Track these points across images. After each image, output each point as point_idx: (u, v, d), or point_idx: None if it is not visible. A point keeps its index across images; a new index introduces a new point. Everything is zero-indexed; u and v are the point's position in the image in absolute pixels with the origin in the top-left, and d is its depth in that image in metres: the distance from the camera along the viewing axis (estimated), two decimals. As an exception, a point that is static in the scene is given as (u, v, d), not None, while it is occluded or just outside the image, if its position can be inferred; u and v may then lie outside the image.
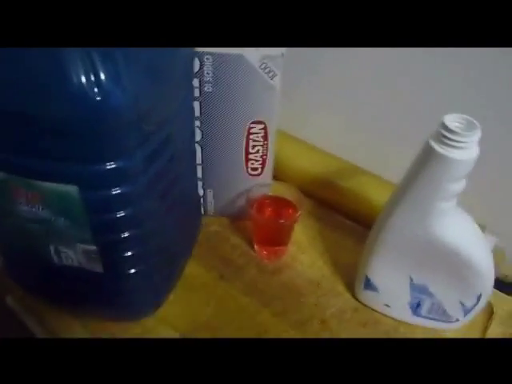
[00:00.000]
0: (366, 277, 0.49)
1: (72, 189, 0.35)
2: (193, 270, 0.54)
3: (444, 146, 0.37)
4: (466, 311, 0.47)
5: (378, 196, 0.58)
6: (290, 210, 0.55)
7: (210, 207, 0.60)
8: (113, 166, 0.35)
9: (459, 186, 0.39)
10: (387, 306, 0.50)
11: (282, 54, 0.46)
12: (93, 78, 0.30)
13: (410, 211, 0.42)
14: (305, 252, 0.58)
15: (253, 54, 0.46)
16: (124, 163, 0.35)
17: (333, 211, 0.63)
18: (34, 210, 0.38)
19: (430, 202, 0.40)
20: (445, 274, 0.44)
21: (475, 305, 0.46)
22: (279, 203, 0.56)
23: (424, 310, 0.48)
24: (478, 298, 0.45)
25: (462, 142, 0.37)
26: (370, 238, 0.48)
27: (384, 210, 0.45)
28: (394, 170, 0.55)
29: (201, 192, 0.58)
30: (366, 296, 0.51)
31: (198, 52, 0.45)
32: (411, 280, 0.47)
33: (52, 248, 0.41)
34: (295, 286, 0.53)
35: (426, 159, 0.39)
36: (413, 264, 0.45)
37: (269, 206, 0.56)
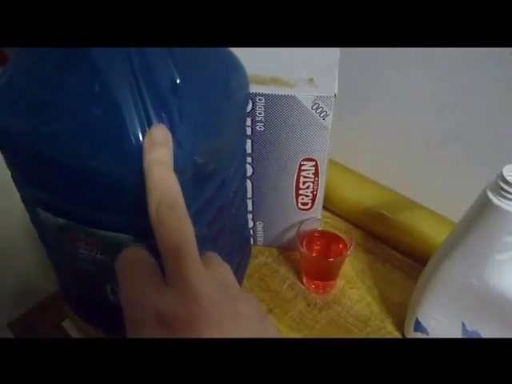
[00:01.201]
0: (417, 319, 0.48)
1: (127, 238, 0.36)
2: (241, 302, 0.55)
3: (502, 199, 0.36)
4: None
5: (430, 230, 0.57)
6: (340, 245, 0.55)
7: (260, 238, 0.60)
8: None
9: None
10: None
11: (335, 95, 0.46)
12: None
13: (464, 261, 0.41)
14: (353, 286, 0.57)
15: (305, 95, 0.46)
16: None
17: (383, 244, 0.62)
18: (92, 253, 0.39)
19: (487, 254, 0.39)
20: (500, 323, 0.43)
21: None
22: (329, 238, 0.56)
23: None
24: None
25: None
26: (421, 278, 0.47)
27: (438, 254, 0.44)
28: (447, 204, 0.55)
29: (250, 224, 0.58)
30: (416, 337, 0.50)
31: (250, 93, 0.46)
32: (463, 326, 0.45)
33: (108, 287, 0.42)
34: (343, 322, 0.53)
35: (483, 210, 0.38)
36: (466, 310, 0.44)
37: (318, 240, 0.56)
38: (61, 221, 0.38)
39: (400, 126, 0.62)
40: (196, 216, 0.38)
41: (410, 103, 0.59)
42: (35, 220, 0.41)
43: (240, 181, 0.47)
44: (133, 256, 0.29)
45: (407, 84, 0.58)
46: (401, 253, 0.61)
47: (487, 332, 0.45)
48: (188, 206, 0.36)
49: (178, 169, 0.32)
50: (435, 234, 0.56)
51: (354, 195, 0.63)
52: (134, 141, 0.30)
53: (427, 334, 0.48)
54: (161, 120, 0.31)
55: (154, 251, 0.37)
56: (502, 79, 0.50)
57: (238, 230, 0.50)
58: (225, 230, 0.45)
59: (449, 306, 0.45)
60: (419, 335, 0.49)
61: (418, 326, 0.48)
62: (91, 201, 0.35)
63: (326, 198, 0.63)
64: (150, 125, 0.31)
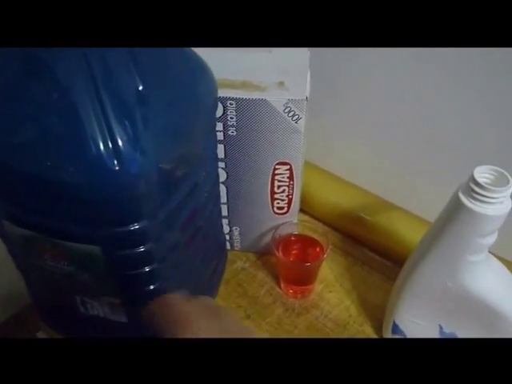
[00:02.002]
0: (394, 322, 0.48)
1: (95, 249, 0.35)
2: (219, 308, 0.54)
3: (474, 201, 0.36)
4: None
5: (408, 232, 0.57)
6: (317, 249, 0.54)
7: (237, 243, 0.60)
8: (136, 227, 0.35)
9: (490, 239, 0.38)
10: None
11: (307, 98, 0.45)
12: (110, 145, 0.30)
13: (438, 263, 0.41)
14: (332, 290, 0.57)
15: (276, 99, 0.45)
16: (147, 223, 0.35)
17: (361, 246, 0.61)
18: (59, 265, 0.38)
19: (460, 256, 0.39)
20: (476, 325, 0.43)
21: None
22: (306, 242, 0.55)
23: None
24: None
25: (492, 197, 0.35)
26: (397, 282, 0.47)
27: (413, 256, 0.44)
28: (425, 205, 0.54)
29: (227, 229, 0.58)
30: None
31: (221, 98, 0.45)
32: (441, 328, 0.45)
33: (78, 299, 0.41)
34: (321, 326, 0.53)
35: (455, 212, 0.37)
36: (442, 313, 0.44)
37: (295, 244, 0.56)
38: (26, 232, 0.37)
39: (377, 127, 0.61)
40: (168, 219, 0.37)
41: (387, 104, 0.59)
42: (1, 231, 0.40)
43: (212, 185, 0.46)
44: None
45: (385, 84, 0.58)
46: (379, 255, 0.60)
47: (464, 333, 0.45)
48: (158, 210, 0.36)
49: (144, 176, 0.32)
50: (414, 235, 0.55)
51: (332, 198, 0.62)
52: (94, 150, 0.29)
53: (405, 336, 0.48)
54: (124, 128, 0.31)
55: (123, 260, 0.37)
56: (475, 80, 0.50)
57: (212, 234, 0.49)
58: (198, 234, 0.44)
59: (425, 308, 0.44)
60: (397, 337, 0.49)
61: (395, 329, 0.48)
62: (56, 212, 0.34)
63: (304, 201, 0.62)
64: (111, 133, 0.30)
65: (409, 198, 0.59)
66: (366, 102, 0.60)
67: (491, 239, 0.38)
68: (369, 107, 0.60)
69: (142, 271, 0.38)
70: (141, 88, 0.32)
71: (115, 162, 0.30)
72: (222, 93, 0.45)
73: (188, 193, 0.39)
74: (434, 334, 0.46)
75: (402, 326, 0.47)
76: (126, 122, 0.31)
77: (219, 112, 0.46)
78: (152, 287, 0.40)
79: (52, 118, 0.30)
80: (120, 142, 0.30)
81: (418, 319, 0.46)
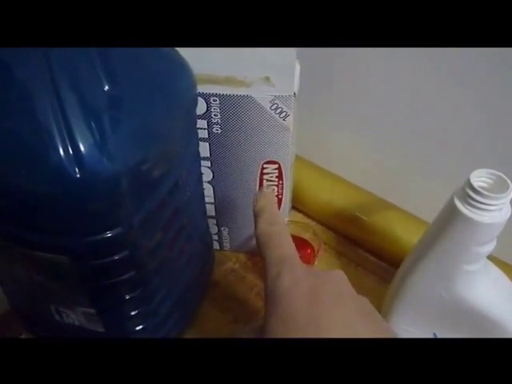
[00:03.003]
0: None
1: (63, 259, 0.33)
2: (206, 312, 0.52)
3: (470, 207, 0.33)
4: None
5: (404, 232, 0.54)
6: (308, 251, 0.52)
7: (226, 243, 0.57)
8: (108, 235, 0.32)
9: (488, 247, 0.35)
10: None
11: (294, 94, 0.43)
12: (71, 151, 0.27)
13: (432, 272, 0.38)
14: (325, 293, 0.54)
15: (262, 95, 0.42)
16: (121, 230, 0.33)
17: (356, 246, 0.59)
18: (29, 274, 0.36)
19: (455, 265, 0.37)
20: (471, 335, 0.40)
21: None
22: (296, 243, 0.52)
23: None
24: None
25: (490, 204, 0.33)
26: (391, 288, 0.45)
27: (407, 262, 0.42)
28: (422, 205, 0.52)
29: (215, 229, 0.55)
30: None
31: (204, 94, 0.43)
32: (434, 336, 0.43)
33: (53, 307, 0.40)
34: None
35: (450, 219, 0.35)
36: (437, 322, 0.42)
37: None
38: (-4, 241, 0.35)
39: (373, 123, 0.59)
40: (146, 224, 0.35)
41: (383, 99, 0.56)
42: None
43: (195, 184, 0.44)
44: None
45: (382, 82, 0.55)
46: (374, 256, 0.58)
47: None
48: (133, 216, 0.33)
49: (111, 182, 0.30)
50: (410, 236, 0.53)
51: (326, 196, 0.60)
52: (53, 156, 0.27)
53: None
54: (89, 131, 0.28)
55: (97, 270, 0.35)
56: (475, 78, 0.47)
57: (197, 235, 0.47)
58: (181, 236, 0.42)
59: (419, 317, 0.42)
60: None
61: None
62: (23, 221, 0.32)
63: (297, 199, 0.60)
64: (71, 138, 0.27)
65: (406, 196, 0.57)
66: (362, 96, 0.58)
67: (489, 247, 0.36)
68: (365, 102, 0.58)
69: (118, 280, 0.36)
70: (107, 88, 0.29)
71: (76, 169, 0.27)
72: (204, 89, 0.43)
73: (167, 194, 0.37)
74: None
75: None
76: (91, 125, 0.28)
77: (202, 109, 0.44)
78: (131, 295, 0.38)
79: (8, 122, 0.28)
80: (82, 147, 0.27)
81: (411, 327, 0.43)
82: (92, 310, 0.38)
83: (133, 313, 0.39)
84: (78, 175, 0.28)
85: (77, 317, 0.39)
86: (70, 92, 0.28)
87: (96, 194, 0.29)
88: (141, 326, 0.41)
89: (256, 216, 0.34)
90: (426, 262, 0.38)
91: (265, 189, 0.37)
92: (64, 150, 0.27)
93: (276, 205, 0.36)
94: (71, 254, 0.33)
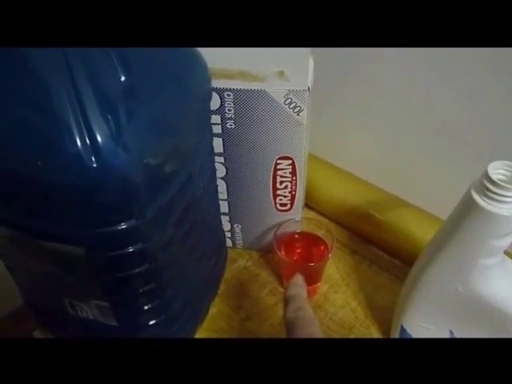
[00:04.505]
0: (402, 326, 0.45)
1: (79, 250, 0.33)
2: (219, 309, 0.52)
3: (488, 200, 0.33)
4: None
5: (418, 230, 0.54)
6: (322, 247, 0.52)
7: (239, 241, 0.57)
8: (122, 227, 0.32)
9: (506, 241, 0.35)
10: None
11: (309, 88, 0.42)
12: (88, 141, 0.27)
13: (449, 266, 0.38)
14: (338, 291, 0.54)
15: (276, 89, 0.42)
16: (135, 222, 0.33)
17: (369, 244, 0.59)
18: (44, 266, 0.36)
19: (472, 259, 0.36)
20: (489, 331, 0.40)
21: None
22: (310, 240, 0.53)
23: None
24: None
25: (509, 196, 0.32)
26: (406, 283, 0.44)
27: (422, 257, 0.41)
28: (437, 202, 0.51)
29: (228, 226, 0.55)
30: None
31: (217, 89, 0.43)
32: (451, 334, 0.42)
33: (66, 300, 0.40)
34: (325, 329, 0.50)
35: (467, 211, 0.34)
36: (453, 318, 0.41)
37: (298, 242, 0.53)
38: (11, 232, 0.35)
39: (387, 120, 0.58)
40: (159, 217, 0.35)
41: (398, 96, 0.56)
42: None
43: (208, 179, 0.44)
44: None
45: (395, 76, 0.54)
46: (388, 254, 0.57)
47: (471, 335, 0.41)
48: (146, 208, 0.33)
49: (127, 173, 0.30)
50: (424, 233, 0.52)
51: (339, 193, 0.59)
52: (70, 146, 0.27)
53: None
54: (106, 122, 0.28)
55: (110, 262, 0.35)
56: (489, 69, 0.47)
57: (209, 231, 0.47)
58: (194, 231, 0.42)
59: (435, 312, 0.42)
60: None
61: (403, 334, 0.45)
62: (36, 211, 0.32)
63: (310, 197, 0.60)
64: (89, 128, 0.27)
65: (420, 193, 0.56)
66: (376, 92, 0.57)
67: (507, 241, 0.35)
68: (378, 98, 0.57)
69: (131, 273, 0.36)
70: (123, 79, 0.30)
71: (93, 158, 0.27)
72: (218, 84, 0.43)
73: (180, 188, 0.37)
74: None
75: (409, 331, 0.45)
76: (108, 116, 0.28)
77: (216, 104, 0.44)
78: (144, 289, 0.38)
79: (25, 112, 0.28)
80: (99, 138, 0.28)
81: (427, 324, 0.43)
82: (105, 304, 0.38)
83: (146, 307, 0.39)
84: (95, 165, 0.28)
85: (91, 310, 0.39)
86: (87, 83, 0.28)
87: (111, 185, 0.29)
88: (154, 321, 0.41)
89: (285, 303, 0.38)
90: (443, 257, 0.37)
91: (296, 277, 0.41)
92: (81, 141, 0.27)
93: (305, 289, 0.40)
94: (86, 245, 0.33)
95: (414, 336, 0.45)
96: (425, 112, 0.54)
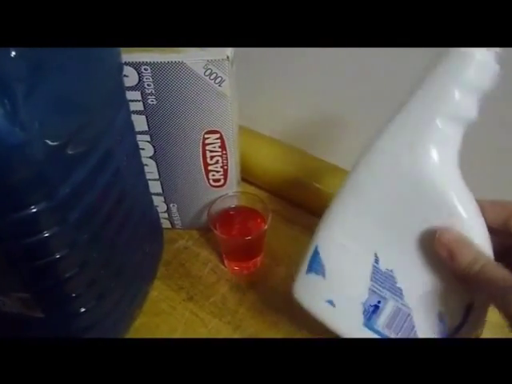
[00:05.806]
0: (316, 249, 0.37)
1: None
2: (160, 292, 0.51)
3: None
4: (443, 333, 0.33)
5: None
6: (258, 220, 0.51)
7: (177, 221, 0.56)
8: (33, 210, 0.30)
9: (470, 102, 0.30)
10: (331, 303, 0.36)
11: (228, 58, 0.41)
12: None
13: (399, 134, 0.32)
14: (280, 264, 0.54)
15: (194, 60, 0.41)
16: (46, 204, 0.31)
17: (306, 212, 0.58)
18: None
19: (429, 118, 0.31)
20: (421, 255, 0.32)
21: (460, 323, 0.32)
22: (246, 214, 0.52)
23: (382, 319, 0.35)
24: (467, 309, 0.32)
25: None
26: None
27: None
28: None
29: (164, 207, 0.54)
30: (306, 287, 0.38)
31: (134, 63, 0.41)
32: (376, 259, 0.34)
33: (-3, 298, 0.38)
34: (269, 303, 0.50)
35: (437, 62, 0.31)
36: (381, 229, 0.34)
37: (235, 218, 0.52)
38: None
39: (316, 84, 0.58)
40: (73, 198, 0.33)
41: (324, 66, 0.55)
42: None
43: (131, 155, 0.41)
44: None
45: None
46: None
47: (405, 276, 0.34)
48: (56, 190, 0.31)
49: (25, 153, 0.28)
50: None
51: (276, 165, 0.59)
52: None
53: (323, 275, 0.37)
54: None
55: (23, 250, 0.33)
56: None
57: (138, 211, 0.45)
58: (119, 209, 0.40)
59: (363, 221, 0.34)
60: (311, 281, 0.37)
61: (313, 262, 0.37)
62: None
63: (246, 171, 0.59)
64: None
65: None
66: (299, 56, 0.56)
67: (471, 104, 0.30)
68: (307, 64, 0.56)
69: (51, 259, 0.34)
70: (13, 54, 0.28)
71: (-17, 139, 0.26)
72: (134, 58, 0.41)
73: (97, 165, 0.35)
74: (365, 271, 0.35)
75: (323, 255, 0.37)
76: (1, 93, 0.27)
77: (134, 80, 0.42)
78: (67, 275, 0.36)
79: None
80: (-9, 117, 0.26)
81: (349, 240, 0.35)
82: (26, 295, 0.36)
83: (73, 294, 0.38)
84: (-15, 145, 0.26)
85: (13, 303, 0.37)
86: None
87: (11, 166, 0.28)
88: (84, 308, 0.39)
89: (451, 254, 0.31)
90: (393, 124, 0.33)
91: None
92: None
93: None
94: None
95: (327, 263, 0.37)
96: (356, 81, 0.53)
